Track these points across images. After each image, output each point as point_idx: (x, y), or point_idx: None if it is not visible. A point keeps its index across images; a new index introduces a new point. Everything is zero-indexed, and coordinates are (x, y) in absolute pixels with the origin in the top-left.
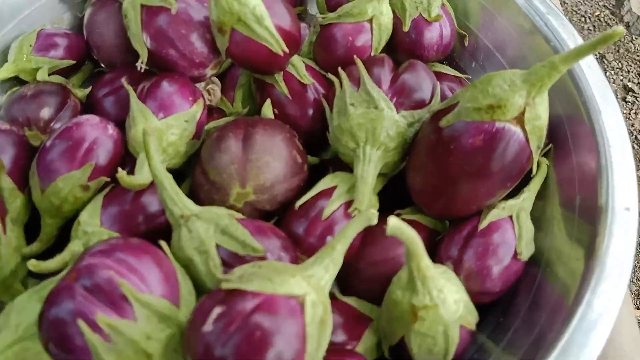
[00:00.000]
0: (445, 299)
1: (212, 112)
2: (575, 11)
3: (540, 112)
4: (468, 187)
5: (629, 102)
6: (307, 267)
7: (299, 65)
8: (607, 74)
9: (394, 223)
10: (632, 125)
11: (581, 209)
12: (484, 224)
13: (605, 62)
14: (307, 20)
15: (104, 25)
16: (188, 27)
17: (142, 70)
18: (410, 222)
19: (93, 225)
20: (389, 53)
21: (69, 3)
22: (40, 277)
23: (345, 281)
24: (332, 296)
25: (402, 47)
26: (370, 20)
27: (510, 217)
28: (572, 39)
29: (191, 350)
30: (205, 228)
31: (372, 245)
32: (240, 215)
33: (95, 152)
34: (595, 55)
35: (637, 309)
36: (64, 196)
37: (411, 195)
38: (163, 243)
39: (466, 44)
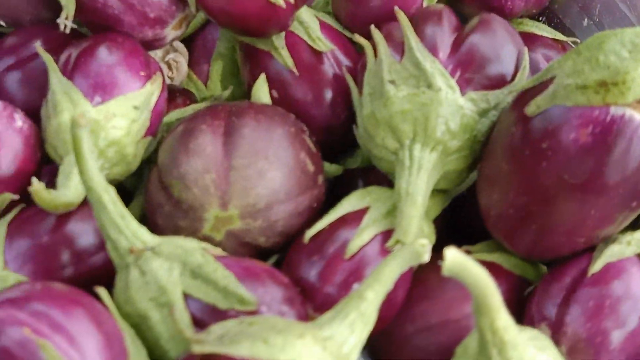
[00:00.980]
0: None
1: (174, 95)
2: None
3: None
4: (571, 208)
5: None
6: (323, 324)
7: (310, 24)
8: None
9: (453, 257)
10: None
11: None
12: (597, 266)
13: None
14: None
15: None
16: None
17: (67, 31)
18: (485, 265)
19: None
20: (452, 4)
21: None
22: None
23: (383, 354)
24: None
25: None
26: None
27: (639, 256)
28: None
29: None
30: (166, 269)
31: (424, 301)
32: (219, 251)
33: None
34: None
35: None
36: None
37: (486, 224)
38: (102, 291)
39: None
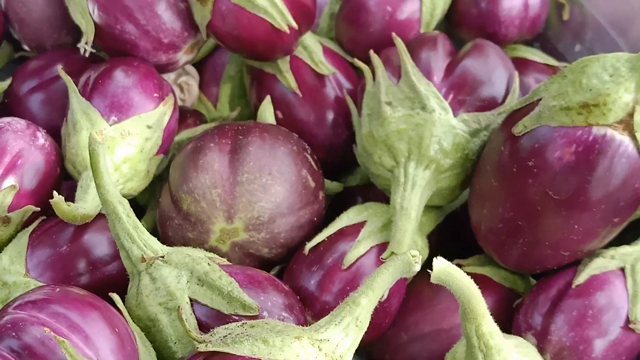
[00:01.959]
0: None
1: (185, 116)
2: None
3: None
4: (557, 223)
5: None
6: (320, 328)
7: (313, 48)
8: None
9: (441, 266)
10: None
11: None
12: (581, 278)
13: None
14: None
15: None
16: None
17: (87, 55)
18: (475, 277)
19: (16, 273)
20: (447, 31)
21: None
22: None
23: None
24: None
25: (467, 22)
26: None
27: (622, 269)
28: None
29: None
30: (175, 276)
31: (418, 311)
32: (224, 261)
33: (19, 169)
34: None
35: None
36: None
37: (476, 238)
38: (115, 296)
39: (566, 18)
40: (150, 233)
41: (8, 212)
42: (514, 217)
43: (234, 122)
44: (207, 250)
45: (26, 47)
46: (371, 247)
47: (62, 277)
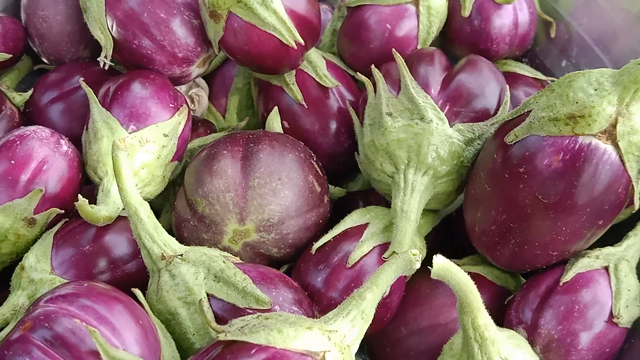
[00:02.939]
0: None
1: (196, 125)
2: None
3: (638, 125)
4: (545, 225)
5: None
6: (329, 320)
7: (318, 63)
8: None
9: (440, 262)
10: None
11: None
12: (568, 276)
13: None
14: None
15: (51, 5)
16: (169, 9)
17: (106, 68)
18: (470, 276)
19: (42, 271)
20: (442, 47)
21: None
22: None
23: (379, 355)
24: None
25: (461, 39)
26: (417, 2)
27: (606, 268)
28: None
29: None
30: (193, 273)
31: (416, 307)
32: (237, 259)
33: (44, 174)
34: None
35: None
36: (3, 233)
37: (471, 239)
38: (137, 292)
39: (553, 35)
40: None
41: (34, 214)
42: (506, 219)
43: (245, 131)
44: (220, 250)
45: (45, 60)
46: (374, 247)
47: (85, 274)
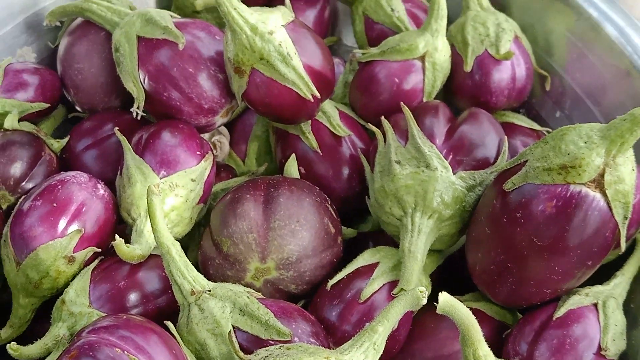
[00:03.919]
0: None
1: (219, 170)
2: None
3: (623, 175)
4: (539, 265)
5: None
6: (344, 350)
7: (331, 113)
8: None
9: (445, 299)
10: None
11: None
12: (560, 312)
13: None
14: (341, 53)
15: (85, 59)
16: (196, 64)
17: (138, 118)
18: (471, 311)
19: (81, 305)
20: (446, 99)
21: (38, 29)
22: None
23: None
24: None
25: (463, 92)
26: (422, 58)
27: (595, 305)
28: None
29: None
30: (220, 307)
31: (422, 340)
32: (259, 295)
33: (83, 216)
34: None
35: None
36: (45, 270)
37: (472, 278)
38: (170, 324)
39: (548, 88)
40: None
41: (73, 252)
42: (504, 259)
43: (265, 176)
44: (243, 286)
45: (78, 109)
46: (384, 284)
47: (120, 307)
